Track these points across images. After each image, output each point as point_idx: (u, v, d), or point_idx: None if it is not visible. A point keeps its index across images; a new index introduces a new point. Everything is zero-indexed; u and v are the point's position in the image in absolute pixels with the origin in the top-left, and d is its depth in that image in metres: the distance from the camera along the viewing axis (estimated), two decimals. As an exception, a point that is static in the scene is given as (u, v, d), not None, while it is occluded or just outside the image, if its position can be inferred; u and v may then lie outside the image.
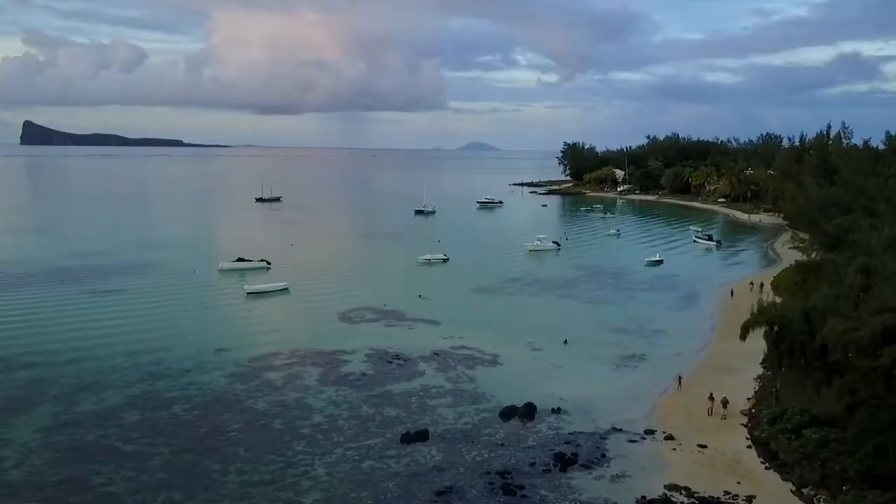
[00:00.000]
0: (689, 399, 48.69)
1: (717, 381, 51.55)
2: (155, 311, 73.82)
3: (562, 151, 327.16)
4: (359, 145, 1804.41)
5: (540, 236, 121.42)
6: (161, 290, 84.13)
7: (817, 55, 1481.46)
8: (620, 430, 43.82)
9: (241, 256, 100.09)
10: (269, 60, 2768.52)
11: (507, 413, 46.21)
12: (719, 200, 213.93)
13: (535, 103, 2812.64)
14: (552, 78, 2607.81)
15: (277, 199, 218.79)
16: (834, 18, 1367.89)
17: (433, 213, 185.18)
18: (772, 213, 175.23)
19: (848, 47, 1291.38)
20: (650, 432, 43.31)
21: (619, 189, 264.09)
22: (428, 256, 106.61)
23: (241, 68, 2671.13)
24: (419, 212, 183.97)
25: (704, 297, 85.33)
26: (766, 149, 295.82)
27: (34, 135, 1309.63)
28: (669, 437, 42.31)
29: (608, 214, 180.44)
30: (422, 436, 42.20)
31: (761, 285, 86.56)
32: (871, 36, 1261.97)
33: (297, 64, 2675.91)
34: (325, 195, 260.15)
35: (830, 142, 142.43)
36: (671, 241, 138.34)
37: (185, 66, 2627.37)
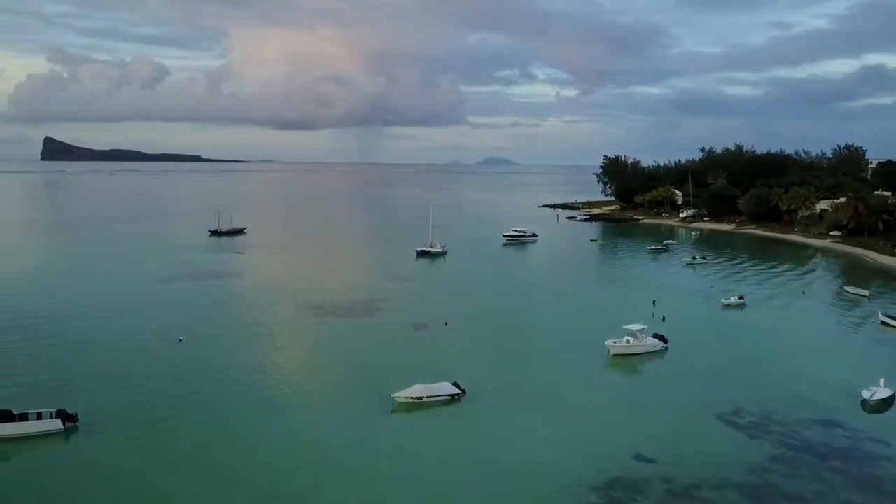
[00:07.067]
0: None
1: None
2: None
3: (601, 167, 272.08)
4: (376, 160, 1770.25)
5: (633, 327, 66.01)
6: None
7: (840, 67, 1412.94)
8: None
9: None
10: (287, 76, 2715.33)
11: None
12: (832, 234, 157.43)
13: (554, 118, 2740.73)
14: (571, 92, 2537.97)
15: (240, 232, 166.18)
16: (857, 30, 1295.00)
17: (443, 254, 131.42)
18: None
19: (872, 59, 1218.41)
20: None
21: (681, 215, 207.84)
22: (417, 393, 51.71)
23: (259, 84, 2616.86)
24: (423, 253, 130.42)
25: None
26: (851, 162, 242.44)
27: (54, 150, 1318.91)
28: None
29: (698, 259, 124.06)
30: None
31: None
32: (895, 48, 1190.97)
33: (315, 79, 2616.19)
34: (305, 224, 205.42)
35: None
36: (828, 314, 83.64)
37: (205, 83, 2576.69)
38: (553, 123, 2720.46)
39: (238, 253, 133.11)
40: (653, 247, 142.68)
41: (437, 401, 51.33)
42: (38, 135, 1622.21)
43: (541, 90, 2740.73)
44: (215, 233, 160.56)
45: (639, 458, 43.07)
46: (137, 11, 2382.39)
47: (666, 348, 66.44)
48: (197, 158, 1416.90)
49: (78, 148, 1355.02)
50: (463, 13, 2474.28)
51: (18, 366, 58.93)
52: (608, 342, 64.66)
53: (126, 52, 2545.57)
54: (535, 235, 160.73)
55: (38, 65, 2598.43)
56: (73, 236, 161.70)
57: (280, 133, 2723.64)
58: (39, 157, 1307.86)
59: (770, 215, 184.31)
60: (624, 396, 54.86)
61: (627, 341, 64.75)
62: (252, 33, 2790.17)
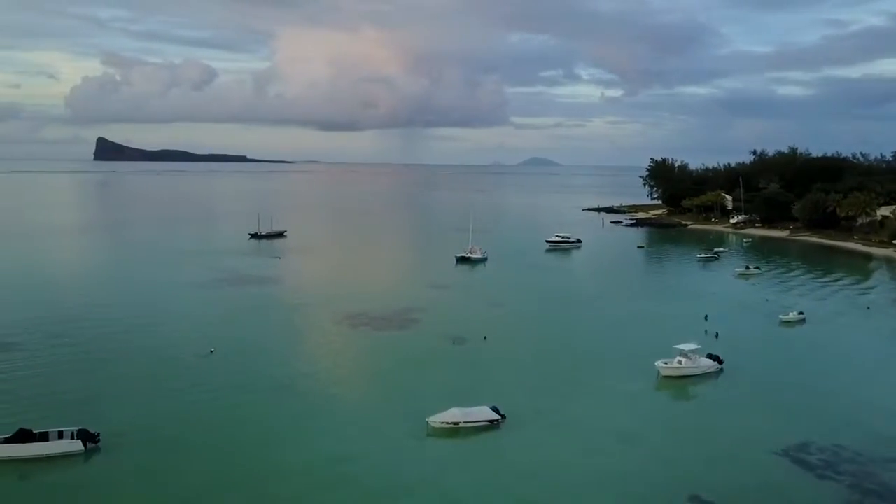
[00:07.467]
0: None
1: None
2: None
3: (647, 169, 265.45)
4: (418, 161, 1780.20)
5: (685, 346, 61.76)
6: None
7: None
8: None
9: None
10: (332, 78, 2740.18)
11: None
12: (894, 242, 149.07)
13: (598, 118, 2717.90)
14: (616, 93, 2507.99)
15: (280, 235, 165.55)
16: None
17: (483, 260, 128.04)
18: None
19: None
20: None
21: (732, 220, 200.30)
22: (454, 418, 48.63)
23: (304, 85, 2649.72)
24: (462, 259, 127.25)
25: None
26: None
27: (107, 150, 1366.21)
28: None
29: (751, 269, 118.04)
30: None
31: None
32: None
33: (359, 81, 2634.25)
34: (345, 227, 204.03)
35: None
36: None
37: (251, 84, 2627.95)
38: (597, 124, 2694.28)
39: (276, 257, 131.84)
40: (703, 255, 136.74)
41: (475, 427, 48.05)
42: (91, 135, 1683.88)
43: (585, 91, 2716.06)
44: (255, 236, 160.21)
45: (695, 499, 39.14)
46: (187, 15, 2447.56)
47: (721, 370, 61.95)
48: (243, 159, 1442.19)
49: (129, 148, 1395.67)
50: (507, 14, 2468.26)
51: (42, 377, 57.62)
52: (658, 363, 60.43)
53: (176, 54, 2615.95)
54: (578, 241, 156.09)
55: (93, 68, 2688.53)
56: (112, 238, 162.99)
57: (325, 134, 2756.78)
58: (93, 156, 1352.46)
59: (826, 222, 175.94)
60: (676, 425, 50.75)
61: (679, 362, 60.49)
62: (297, 35, 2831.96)
